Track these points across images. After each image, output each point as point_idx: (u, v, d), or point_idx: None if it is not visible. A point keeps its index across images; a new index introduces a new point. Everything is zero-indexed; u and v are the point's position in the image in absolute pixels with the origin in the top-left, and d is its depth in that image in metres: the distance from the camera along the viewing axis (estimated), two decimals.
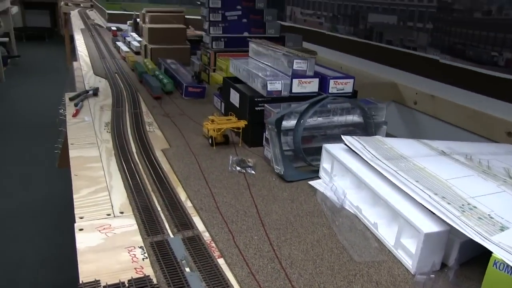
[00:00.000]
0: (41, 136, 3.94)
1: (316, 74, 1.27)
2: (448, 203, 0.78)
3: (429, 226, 0.75)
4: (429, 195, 0.81)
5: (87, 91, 1.72)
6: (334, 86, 1.27)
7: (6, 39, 6.66)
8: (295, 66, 1.24)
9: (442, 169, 0.93)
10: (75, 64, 2.35)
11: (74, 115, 1.48)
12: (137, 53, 2.61)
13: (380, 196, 0.87)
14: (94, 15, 4.92)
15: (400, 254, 0.81)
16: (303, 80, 1.24)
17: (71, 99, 1.63)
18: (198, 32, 2.80)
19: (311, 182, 1.07)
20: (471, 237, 0.70)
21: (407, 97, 1.83)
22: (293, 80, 1.23)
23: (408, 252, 0.79)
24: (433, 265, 0.77)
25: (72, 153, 1.19)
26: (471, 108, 1.50)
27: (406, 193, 0.84)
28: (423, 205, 0.80)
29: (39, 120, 4.35)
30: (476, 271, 0.77)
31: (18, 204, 2.89)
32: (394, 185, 0.87)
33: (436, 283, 0.74)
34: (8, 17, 6.86)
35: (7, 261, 2.34)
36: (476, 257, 0.80)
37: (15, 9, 7.73)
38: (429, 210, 0.78)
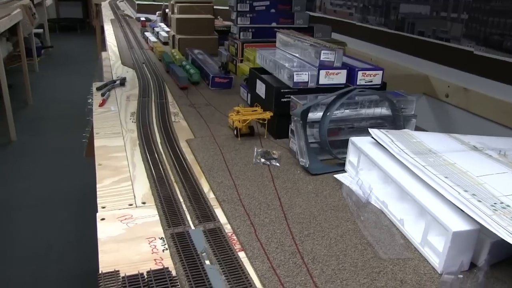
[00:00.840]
0: (71, 125, 4.00)
1: (344, 66, 1.24)
2: (479, 201, 0.75)
3: (458, 225, 0.72)
4: (459, 192, 0.77)
5: (114, 81, 1.72)
6: (362, 78, 1.23)
7: (41, 30, 6.78)
8: (322, 57, 1.21)
9: (473, 165, 0.90)
10: (103, 54, 2.36)
11: (101, 105, 1.49)
12: (165, 43, 2.62)
13: (407, 191, 0.84)
14: (124, 6, 4.96)
15: (427, 252, 0.78)
16: (330, 71, 1.22)
17: (98, 89, 1.63)
18: (227, 23, 2.79)
19: (336, 176, 1.05)
20: (503, 238, 0.67)
21: (438, 90, 1.79)
22: (320, 71, 1.21)
23: (435, 250, 0.76)
24: (461, 265, 0.74)
25: (97, 143, 1.20)
26: (506, 102, 1.45)
27: (435, 189, 0.81)
28: (452, 202, 0.77)
29: (70, 109, 4.42)
30: (508, 273, 0.74)
31: (48, 192, 2.93)
32: (422, 181, 0.84)
33: (464, 284, 0.71)
34: (43, 8, 6.97)
35: (36, 246, 2.38)
36: (508, 258, 0.77)
37: (49, 1, 7.86)
38: (458, 207, 0.75)
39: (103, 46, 4.75)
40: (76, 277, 2.16)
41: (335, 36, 2.35)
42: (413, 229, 0.83)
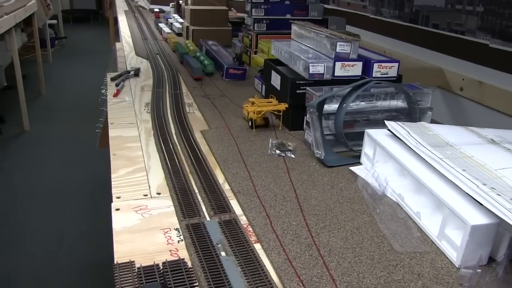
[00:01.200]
0: (84, 116, 4.01)
1: (359, 58, 1.23)
2: (498, 195, 0.74)
3: (477, 218, 0.71)
4: (477, 185, 0.76)
5: (128, 72, 1.72)
6: (378, 70, 1.22)
7: (55, 21, 6.80)
8: (338, 49, 1.20)
9: (492, 158, 0.88)
10: (117, 45, 2.36)
11: (115, 95, 1.49)
12: (179, 34, 2.61)
13: (424, 184, 0.83)
14: None
15: (444, 246, 0.77)
16: (346, 63, 1.21)
17: (112, 79, 1.64)
18: (240, 14, 2.78)
19: (352, 168, 1.04)
20: None
21: (453, 83, 1.77)
22: (336, 63, 1.20)
23: (452, 244, 0.75)
24: (479, 259, 0.73)
25: (112, 133, 1.20)
26: None
27: (452, 182, 0.80)
28: (470, 196, 0.76)
29: (83, 100, 4.44)
30: None
31: (60, 182, 2.95)
32: (439, 174, 0.83)
33: (483, 278, 0.70)
34: (57, 0, 6.99)
35: (49, 236, 2.40)
36: None
37: None
38: (477, 201, 0.74)
39: (116, 37, 4.76)
40: (87, 267, 2.17)
41: (349, 28, 2.34)
42: (430, 222, 0.82)
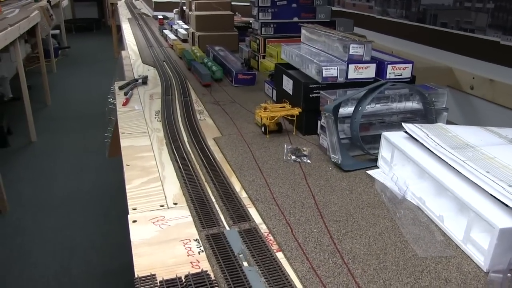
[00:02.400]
0: (91, 125, 4.01)
1: (373, 59, 1.21)
2: None
3: (504, 221, 0.70)
4: (503, 187, 0.75)
5: (136, 80, 1.71)
6: (392, 72, 1.21)
7: (57, 31, 6.81)
8: (351, 51, 1.19)
9: None
10: (123, 53, 2.35)
11: (124, 104, 1.48)
12: (184, 41, 2.60)
13: (447, 187, 0.81)
14: (140, 4, 4.97)
15: (470, 250, 0.75)
16: (359, 65, 1.19)
17: (120, 87, 1.62)
18: (245, 19, 2.77)
19: (369, 172, 1.02)
20: None
21: (463, 82, 1.75)
22: (349, 65, 1.18)
23: (479, 248, 0.73)
24: (509, 263, 0.71)
25: (124, 143, 1.18)
26: None
27: (474, 184, 0.78)
28: (494, 198, 0.74)
29: (89, 109, 4.44)
30: None
31: (69, 192, 2.94)
32: (461, 175, 0.82)
33: None
34: (60, 9, 7.01)
35: (60, 247, 2.39)
36: None
37: (65, 2, 7.91)
38: (502, 203, 0.72)
39: (120, 45, 4.76)
40: (99, 278, 2.16)
41: (355, 30, 2.32)
42: (453, 226, 0.80)
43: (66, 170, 3.25)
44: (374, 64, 1.20)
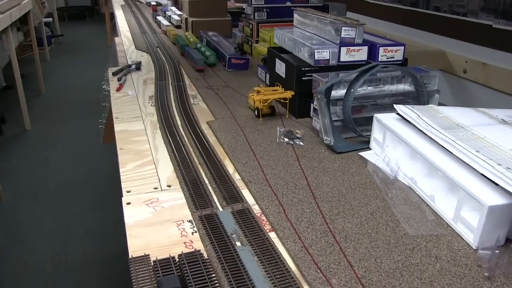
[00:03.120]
0: (85, 112, 4.01)
1: (365, 42, 1.22)
2: None
3: (493, 199, 0.71)
4: (492, 166, 0.76)
5: (129, 66, 1.71)
6: (383, 54, 1.21)
7: (50, 19, 6.77)
8: (343, 34, 1.19)
9: (504, 138, 0.87)
10: (116, 39, 2.34)
11: (118, 90, 1.48)
12: (178, 27, 2.59)
13: (438, 167, 0.82)
14: None
15: (460, 228, 0.76)
16: (351, 48, 1.19)
17: (114, 73, 1.62)
18: (238, 4, 2.76)
19: (361, 153, 1.03)
20: None
21: (456, 66, 1.76)
22: (341, 48, 1.19)
23: (469, 226, 0.74)
24: (497, 240, 0.72)
25: (117, 127, 1.19)
26: None
27: (465, 163, 0.79)
28: (484, 177, 0.75)
29: (83, 97, 4.42)
30: None
31: (65, 179, 2.95)
32: (452, 156, 0.83)
33: (501, 259, 0.69)
34: None
35: (56, 234, 2.40)
36: None
37: None
38: (492, 181, 0.73)
39: (114, 33, 4.74)
40: (95, 263, 2.17)
41: (348, 14, 2.32)
42: (444, 205, 0.81)
43: (61, 158, 3.25)
44: (366, 47, 1.21)
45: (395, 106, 1.01)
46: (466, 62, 1.70)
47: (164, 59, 1.86)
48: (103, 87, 1.79)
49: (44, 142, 3.50)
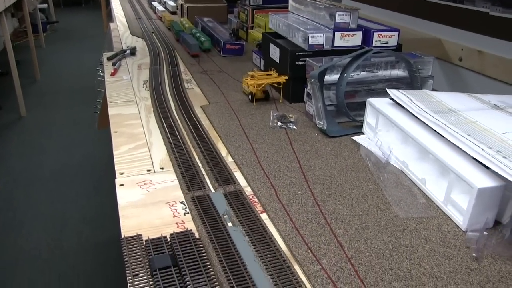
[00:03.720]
0: (81, 99, 4.00)
1: (359, 27, 1.22)
2: (504, 157, 0.73)
3: (483, 181, 0.71)
4: (483, 149, 0.76)
5: (124, 51, 1.71)
6: (378, 39, 1.21)
7: (45, 6, 6.73)
8: (337, 19, 1.19)
9: (496, 123, 0.88)
10: (111, 25, 2.34)
11: (112, 74, 1.48)
12: (173, 13, 2.59)
13: (430, 150, 0.83)
14: None
15: (450, 210, 0.77)
16: (345, 33, 1.19)
17: (109, 58, 1.62)
18: None
19: (354, 138, 1.04)
20: None
21: (452, 54, 1.75)
22: (335, 33, 1.19)
23: (459, 208, 0.75)
24: (486, 222, 0.73)
25: (111, 111, 1.19)
26: None
27: (456, 147, 0.80)
28: (475, 160, 0.76)
29: (78, 83, 4.41)
30: None
31: (60, 166, 2.95)
32: (443, 139, 0.83)
33: (490, 241, 0.70)
34: None
35: (52, 220, 2.40)
36: None
37: None
38: (482, 165, 0.74)
39: (109, 20, 4.72)
40: (90, 248, 2.18)
41: (344, 1, 2.31)
42: (435, 188, 0.82)
43: (57, 144, 3.24)
44: (360, 32, 1.21)
45: (388, 90, 1.01)
46: (462, 50, 1.70)
47: (159, 44, 1.86)
48: (98, 73, 1.79)
49: (40, 129, 3.50)
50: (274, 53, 1.30)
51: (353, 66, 1.05)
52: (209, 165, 0.90)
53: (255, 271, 0.62)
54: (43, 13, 6.42)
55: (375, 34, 1.20)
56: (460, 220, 0.74)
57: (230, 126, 1.09)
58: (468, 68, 1.69)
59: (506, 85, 1.52)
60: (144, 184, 0.85)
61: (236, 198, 0.79)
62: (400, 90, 1.01)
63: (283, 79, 1.19)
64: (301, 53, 1.19)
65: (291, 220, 0.74)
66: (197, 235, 0.70)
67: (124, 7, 2.85)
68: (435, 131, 0.86)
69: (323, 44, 1.18)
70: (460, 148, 0.79)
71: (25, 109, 3.73)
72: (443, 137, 0.83)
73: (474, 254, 0.68)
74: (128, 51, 1.71)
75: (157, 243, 0.67)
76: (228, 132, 1.05)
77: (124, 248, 0.67)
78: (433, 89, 1.18)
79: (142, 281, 0.60)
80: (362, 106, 1.08)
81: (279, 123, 1.09)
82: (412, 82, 1.15)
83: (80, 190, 2.68)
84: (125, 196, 0.81)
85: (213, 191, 0.82)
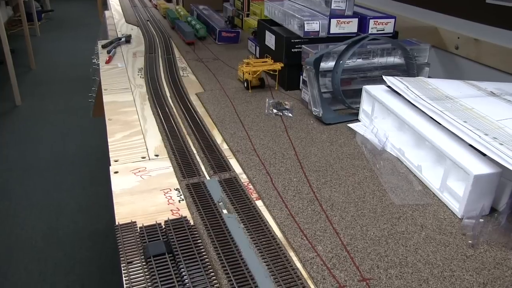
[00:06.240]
0: (76, 88, 3.97)
1: (355, 14, 1.21)
2: (501, 144, 0.73)
3: (479, 168, 0.71)
4: (479, 136, 0.76)
5: (119, 39, 1.69)
6: (374, 27, 1.20)
7: None
8: (333, 6, 1.18)
9: (492, 110, 0.88)
10: (106, 13, 2.32)
11: (107, 62, 1.46)
12: (169, 1, 2.57)
13: (426, 137, 0.82)
14: None
15: (446, 197, 0.77)
16: (341, 20, 1.18)
17: (103, 46, 1.61)
18: None
19: (350, 125, 1.03)
20: None
21: (448, 42, 1.74)
22: (331, 20, 1.18)
23: (455, 195, 0.75)
24: (482, 209, 0.73)
25: (106, 98, 1.18)
26: None
27: (453, 134, 0.79)
28: (471, 147, 0.75)
29: (73, 72, 4.38)
30: None
31: (55, 155, 2.94)
32: (439, 126, 0.83)
33: (485, 228, 0.70)
34: None
35: (47, 209, 2.39)
36: None
37: None
38: (478, 152, 0.74)
39: (105, 8, 4.68)
40: (86, 237, 2.17)
41: None
42: (431, 175, 0.82)
43: (52, 133, 3.23)
44: (356, 19, 1.20)
45: (384, 77, 1.00)
46: (458, 38, 1.69)
47: (154, 32, 1.84)
48: (93, 61, 1.77)
49: (35, 118, 3.48)
50: (270, 40, 1.29)
51: (349, 53, 1.04)
52: (204, 152, 0.89)
53: (250, 258, 0.62)
54: (38, 2, 6.37)
55: (371, 21, 1.19)
56: (456, 207, 0.74)
57: (226, 114, 1.08)
58: (465, 57, 1.68)
59: (502, 73, 1.51)
60: (139, 171, 0.84)
61: (231, 185, 0.79)
62: (396, 77, 1.01)
63: (278, 66, 1.18)
64: (297, 40, 1.18)
65: (286, 207, 0.74)
66: (192, 222, 0.70)
67: None
68: (431, 118, 0.85)
69: (319, 31, 1.17)
70: (456, 135, 0.78)
71: (20, 98, 3.71)
72: (439, 124, 0.83)
73: (470, 241, 0.68)
74: (123, 39, 1.69)
75: (151, 230, 0.67)
76: (224, 120, 1.05)
77: (118, 235, 0.67)
78: (429, 77, 1.18)
79: (137, 268, 0.60)
80: (358, 93, 1.07)
81: (275, 110, 1.08)
82: (408, 69, 1.15)
83: (76, 179, 2.67)
84: (119, 183, 0.80)
85: (208, 178, 0.82)
